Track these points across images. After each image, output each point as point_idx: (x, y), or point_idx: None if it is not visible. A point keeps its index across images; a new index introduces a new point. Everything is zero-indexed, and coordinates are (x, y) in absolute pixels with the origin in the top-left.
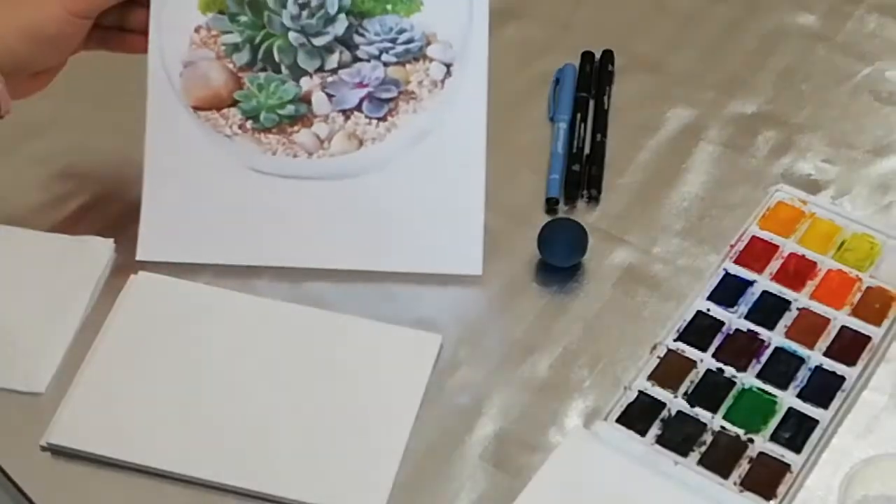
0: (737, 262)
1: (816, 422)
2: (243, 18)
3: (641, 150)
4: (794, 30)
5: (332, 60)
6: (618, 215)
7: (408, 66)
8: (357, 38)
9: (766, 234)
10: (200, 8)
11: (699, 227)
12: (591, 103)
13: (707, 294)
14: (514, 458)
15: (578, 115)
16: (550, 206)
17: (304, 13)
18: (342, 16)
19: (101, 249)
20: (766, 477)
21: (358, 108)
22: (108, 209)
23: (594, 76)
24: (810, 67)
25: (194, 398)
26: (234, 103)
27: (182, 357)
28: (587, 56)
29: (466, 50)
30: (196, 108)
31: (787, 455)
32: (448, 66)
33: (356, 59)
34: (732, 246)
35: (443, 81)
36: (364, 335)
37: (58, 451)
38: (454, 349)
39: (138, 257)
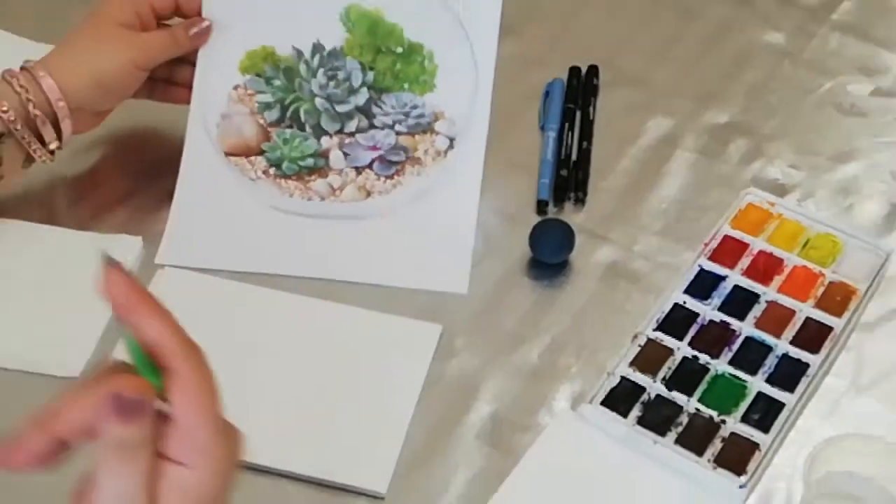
0: (710, 258)
1: (783, 405)
2: (277, 82)
3: (623, 157)
4: (763, 47)
5: (351, 125)
6: (602, 216)
7: (416, 136)
8: (375, 109)
9: (737, 234)
10: (241, 69)
11: (676, 227)
12: (578, 114)
13: (683, 288)
14: (507, 438)
15: (566, 125)
16: (541, 207)
17: (332, 83)
18: (364, 89)
19: (130, 246)
20: (737, 455)
21: (369, 166)
22: (137, 214)
23: (581, 89)
24: (778, 82)
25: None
26: (261, 152)
27: (204, 343)
28: (574, 71)
29: (469, 128)
30: (227, 154)
31: (756, 435)
32: (451, 139)
33: (372, 126)
34: (706, 244)
35: (446, 152)
36: (371, 325)
37: None
38: (453, 338)
39: (157, 261)
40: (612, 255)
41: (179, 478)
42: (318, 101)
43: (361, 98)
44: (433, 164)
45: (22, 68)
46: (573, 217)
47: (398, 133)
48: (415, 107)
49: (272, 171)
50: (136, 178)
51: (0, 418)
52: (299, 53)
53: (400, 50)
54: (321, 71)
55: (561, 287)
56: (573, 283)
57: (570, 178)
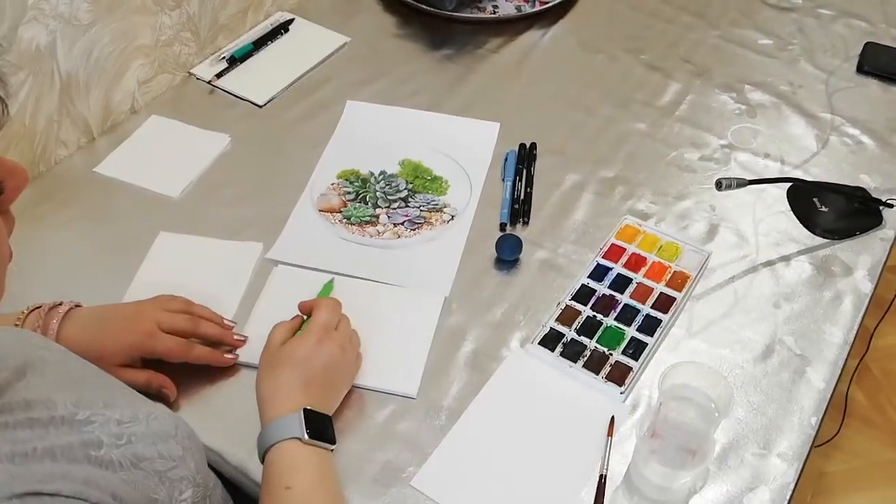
0: (604, 257)
1: (646, 344)
2: (356, 184)
3: (551, 197)
4: (635, 131)
5: (395, 205)
6: (539, 232)
7: (433, 213)
8: (410, 200)
9: (620, 242)
10: (337, 177)
11: (583, 238)
12: (525, 171)
13: (587, 274)
14: (483, 364)
15: (517, 178)
16: (502, 227)
17: (387, 188)
18: (406, 191)
19: (255, 248)
20: (619, 374)
21: (402, 224)
22: (259, 230)
23: (526, 156)
24: (644, 152)
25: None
26: (340, 212)
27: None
28: (522, 146)
29: (464, 212)
30: (320, 210)
31: (630, 362)
32: (453, 216)
33: (407, 205)
34: (601, 248)
35: (448, 222)
36: (403, 296)
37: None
38: (451, 304)
39: (268, 256)
40: (545, 255)
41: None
42: (378, 193)
43: (403, 194)
44: (440, 226)
45: (53, 306)
46: (522, 232)
47: (422, 211)
48: (434, 201)
49: (344, 220)
50: (264, 218)
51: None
52: (371, 173)
53: (429, 177)
54: (382, 181)
55: (514, 275)
56: (522, 272)
57: (520, 210)
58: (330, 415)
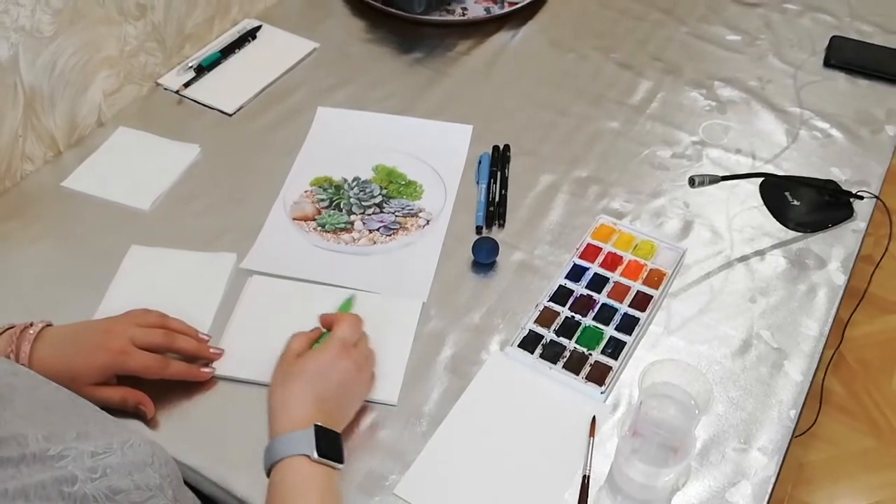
0: (580, 257)
1: (625, 343)
2: (330, 190)
3: (526, 199)
4: (607, 130)
5: (370, 211)
6: (515, 234)
7: (408, 218)
8: (385, 205)
9: (596, 242)
10: (310, 184)
11: (559, 239)
12: (499, 174)
13: (564, 275)
14: (463, 368)
15: (492, 180)
16: (478, 230)
17: (361, 193)
18: (380, 196)
19: (229, 259)
20: (599, 374)
21: (377, 230)
22: (232, 240)
23: (500, 158)
24: (617, 151)
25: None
26: (314, 219)
27: (278, 314)
28: (496, 148)
29: (439, 216)
30: (294, 219)
31: (610, 362)
32: (428, 220)
33: (382, 211)
34: (577, 248)
35: (424, 226)
36: (376, 302)
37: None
38: (429, 309)
39: (241, 266)
40: (522, 257)
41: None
42: (352, 199)
43: (378, 200)
44: (416, 231)
45: (25, 327)
46: (497, 235)
47: (397, 216)
48: (408, 205)
49: (318, 228)
50: (237, 228)
51: None
52: (345, 179)
53: (403, 182)
54: (356, 187)
55: (492, 277)
56: (499, 275)
57: (495, 212)
58: (339, 432)
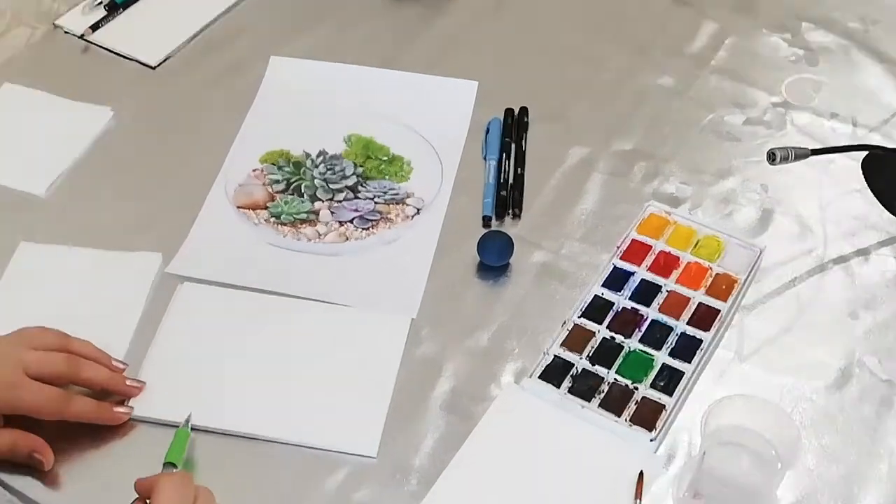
0: (622, 258)
1: (682, 373)
2: (287, 169)
3: (551, 179)
4: (657, 89)
5: (340, 196)
6: (534, 227)
7: (391, 206)
8: (360, 188)
9: (642, 237)
10: (260, 160)
11: (594, 234)
12: (513, 146)
13: (601, 282)
14: (465, 407)
15: (504, 155)
16: (486, 221)
17: (329, 172)
18: (354, 176)
19: (150, 263)
20: (648, 414)
21: (350, 221)
22: (156, 236)
23: (514, 126)
24: (670, 115)
25: (234, 372)
26: (266, 208)
27: (219, 339)
28: (509, 111)
29: (433, 204)
30: (239, 207)
31: (662, 398)
32: (419, 209)
33: (356, 196)
34: (619, 247)
35: (412, 217)
36: (348, 319)
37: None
38: (419, 329)
39: (168, 270)
40: (544, 258)
41: None
42: (316, 181)
43: (351, 181)
44: (401, 223)
45: None
46: (511, 229)
47: (376, 203)
48: (392, 189)
49: (272, 220)
50: (163, 220)
51: None
52: (307, 154)
53: (385, 158)
54: (322, 165)
55: (504, 285)
56: (514, 282)
57: (508, 198)
58: None
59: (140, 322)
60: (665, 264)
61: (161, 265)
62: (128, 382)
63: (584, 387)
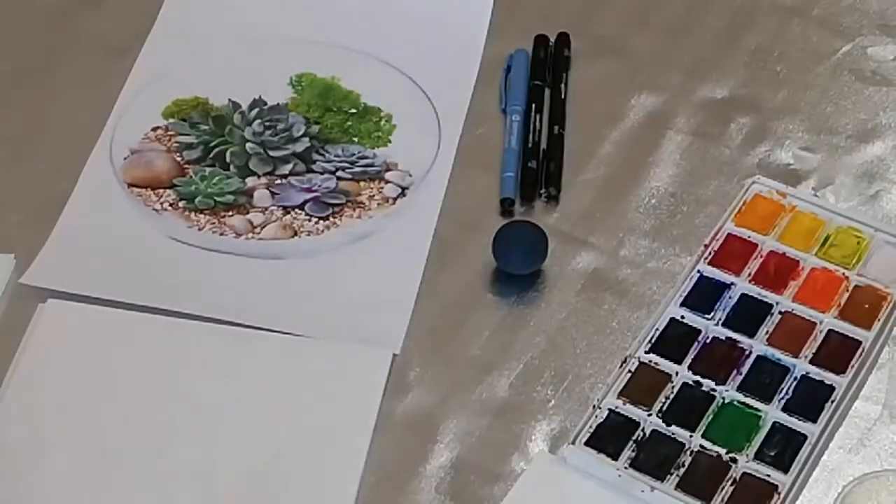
0: (712, 263)
1: (805, 437)
2: (204, 127)
3: (603, 143)
4: (765, 5)
5: (284, 169)
6: (580, 215)
7: (362, 183)
8: (315, 156)
9: (742, 232)
10: (164, 115)
11: (670, 226)
12: (547, 92)
13: (680, 300)
14: (474, 489)
15: (533, 106)
16: (505, 207)
17: (268, 132)
18: (305, 139)
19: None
20: (751, 500)
21: (300, 206)
22: (7, 229)
23: (549, 62)
24: (785, 46)
25: (121, 442)
26: (172, 186)
27: (107, 396)
28: (541, 40)
29: (426, 180)
30: (130, 185)
31: (773, 475)
32: (403, 188)
33: (310, 171)
34: (707, 245)
35: (395, 199)
36: (303, 355)
37: None
38: (406, 369)
39: (24, 280)
40: (594, 262)
41: None
42: (248, 145)
43: (300, 146)
44: (378, 210)
45: None
46: (545, 218)
47: (340, 178)
48: (363, 157)
49: (181, 203)
50: (19, 205)
51: None
52: (235, 105)
53: (354, 111)
54: (258, 121)
55: (533, 303)
56: (547, 298)
57: (539, 171)
58: None
59: None
60: (778, 272)
61: (13, 273)
62: None
63: (656, 458)
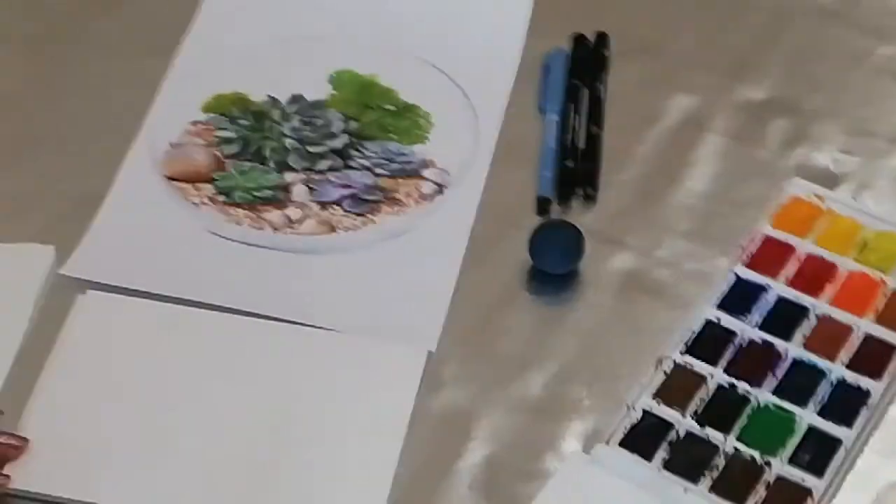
0: (749, 265)
1: (840, 441)
2: (243, 122)
3: (641, 143)
4: (805, 6)
5: (323, 164)
6: (616, 215)
7: (399, 179)
8: (353, 153)
9: (780, 234)
10: (203, 109)
11: (706, 227)
12: (585, 92)
13: (717, 302)
14: (507, 487)
15: (571, 106)
16: (542, 206)
17: (307, 128)
18: (344, 135)
19: (39, 259)
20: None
21: (337, 202)
22: (46, 222)
23: (587, 62)
24: (825, 47)
25: (164, 434)
26: (211, 180)
27: (146, 387)
28: (579, 39)
29: (463, 177)
30: (170, 179)
31: (807, 479)
32: (441, 186)
33: (347, 167)
34: (743, 248)
35: (432, 196)
36: (338, 351)
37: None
38: (440, 367)
39: (63, 271)
40: (630, 262)
41: None
42: (287, 141)
43: (339, 142)
44: (415, 207)
45: None
46: (581, 218)
47: (377, 175)
48: (401, 154)
49: (220, 198)
50: (57, 199)
51: None
52: (274, 101)
53: (392, 108)
54: (297, 117)
55: (568, 303)
56: (583, 298)
57: (576, 171)
58: None
59: (21, 350)
60: (815, 276)
61: (53, 264)
62: (2, 440)
63: (689, 460)
